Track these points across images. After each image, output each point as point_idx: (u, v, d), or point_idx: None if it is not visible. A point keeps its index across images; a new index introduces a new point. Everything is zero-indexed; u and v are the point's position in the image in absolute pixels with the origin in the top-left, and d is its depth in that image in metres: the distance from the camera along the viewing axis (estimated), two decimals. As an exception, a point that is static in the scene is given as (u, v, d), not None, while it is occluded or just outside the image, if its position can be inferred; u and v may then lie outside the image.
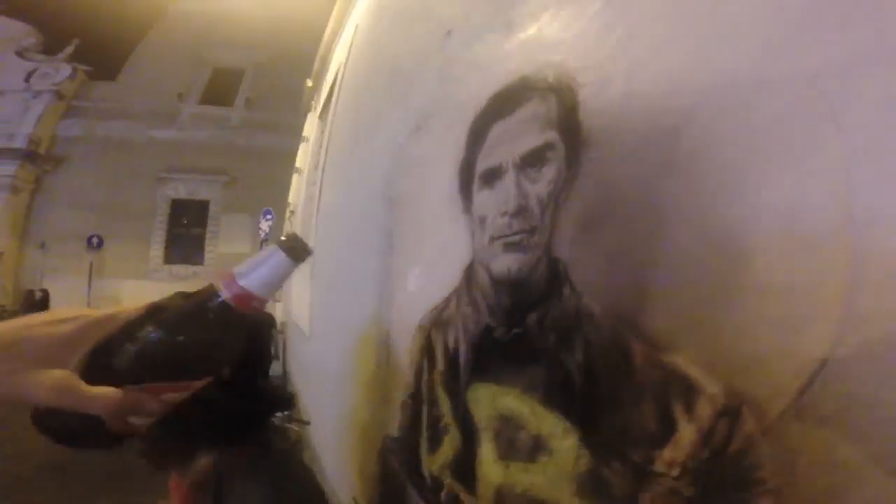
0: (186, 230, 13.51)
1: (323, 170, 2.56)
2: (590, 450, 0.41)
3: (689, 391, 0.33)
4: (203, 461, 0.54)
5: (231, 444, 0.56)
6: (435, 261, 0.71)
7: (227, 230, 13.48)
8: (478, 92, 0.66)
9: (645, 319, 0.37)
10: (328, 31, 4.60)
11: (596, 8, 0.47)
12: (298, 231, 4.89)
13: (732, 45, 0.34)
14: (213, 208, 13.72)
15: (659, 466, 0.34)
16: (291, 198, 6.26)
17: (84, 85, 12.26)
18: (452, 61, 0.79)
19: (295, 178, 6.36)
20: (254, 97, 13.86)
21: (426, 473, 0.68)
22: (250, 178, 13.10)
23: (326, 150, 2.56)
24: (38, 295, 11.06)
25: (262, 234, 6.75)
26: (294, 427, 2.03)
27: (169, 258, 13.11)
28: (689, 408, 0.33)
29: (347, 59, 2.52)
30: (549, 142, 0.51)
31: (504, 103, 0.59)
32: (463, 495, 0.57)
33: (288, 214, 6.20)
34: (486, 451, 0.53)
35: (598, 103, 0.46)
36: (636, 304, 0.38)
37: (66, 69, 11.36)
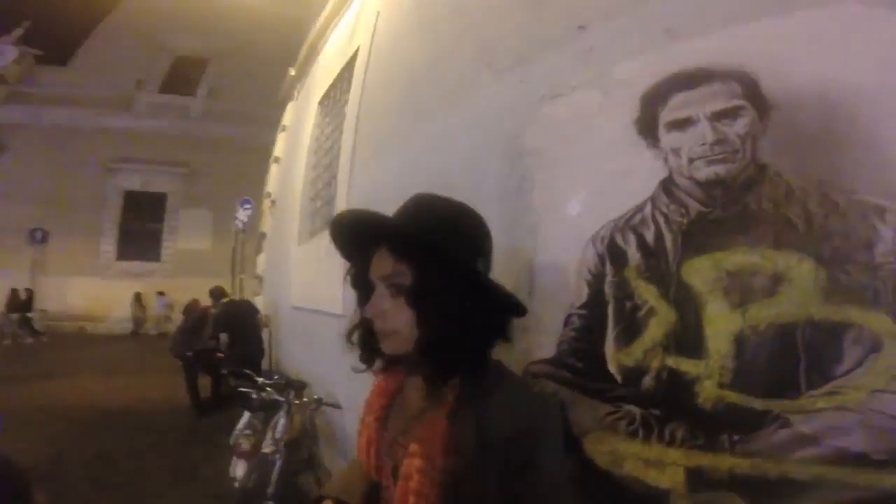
0: (141, 224, 12.72)
1: (354, 150, 2.61)
2: (825, 267, 0.65)
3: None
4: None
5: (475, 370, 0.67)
6: (608, 185, 0.93)
7: (186, 225, 12.84)
8: (634, 77, 0.90)
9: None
10: (321, 21, 4.66)
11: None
12: (282, 218, 4.87)
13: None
14: (170, 201, 13.02)
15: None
16: (271, 187, 6.17)
17: (31, 69, 11.22)
18: (593, 50, 1.02)
19: (274, 167, 6.28)
20: (217, 87, 13.30)
21: (618, 369, 0.87)
22: (211, 170, 12.56)
23: (356, 131, 2.60)
24: (23, 294, 10.07)
25: (240, 225, 6.57)
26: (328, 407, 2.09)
27: (122, 254, 12.28)
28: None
29: (372, 44, 2.61)
30: (738, 105, 0.77)
31: (684, 81, 0.84)
32: (683, 364, 0.79)
33: (267, 204, 6.11)
34: (716, 309, 0.76)
35: (773, 83, 0.72)
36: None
37: (11, 51, 10.37)
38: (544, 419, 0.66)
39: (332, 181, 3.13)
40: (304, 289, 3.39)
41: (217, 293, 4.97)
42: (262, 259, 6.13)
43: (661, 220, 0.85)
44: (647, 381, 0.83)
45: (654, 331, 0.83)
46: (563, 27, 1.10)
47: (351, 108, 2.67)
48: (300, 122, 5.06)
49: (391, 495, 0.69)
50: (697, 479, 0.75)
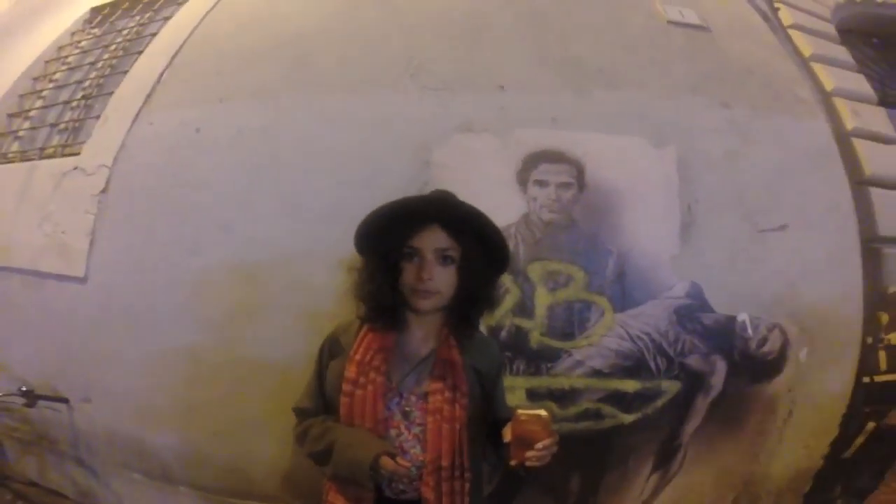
0: None
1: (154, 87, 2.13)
2: (587, 273, 1.30)
3: (614, 253, 1.30)
4: None
5: None
6: (492, 209, 1.40)
7: None
8: (524, 141, 1.47)
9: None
10: None
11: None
12: None
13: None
14: None
15: (609, 275, 1.29)
16: None
17: None
18: (504, 109, 1.55)
19: None
20: None
21: (486, 328, 1.28)
22: None
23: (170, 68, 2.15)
24: None
25: None
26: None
27: None
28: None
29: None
30: (571, 182, 1.43)
31: (549, 157, 1.46)
32: (522, 322, 1.29)
33: None
34: (541, 291, 1.30)
35: (598, 171, 1.42)
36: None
37: None
38: (500, 355, 1.07)
39: (87, 107, 2.29)
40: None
41: None
42: None
43: (518, 238, 1.37)
44: (503, 334, 1.27)
45: (508, 303, 1.30)
46: (488, 80, 1.55)
47: (169, 37, 2.15)
48: (21, 19, 3.38)
49: (405, 439, 0.85)
50: (531, 395, 1.21)
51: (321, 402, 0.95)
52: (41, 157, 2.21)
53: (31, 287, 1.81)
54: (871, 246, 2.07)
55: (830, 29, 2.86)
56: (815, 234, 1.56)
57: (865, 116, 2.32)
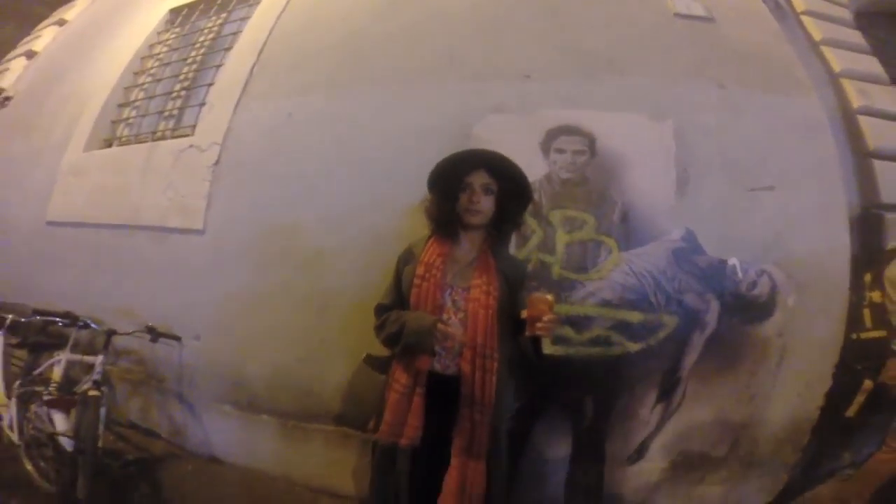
0: None
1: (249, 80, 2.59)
2: (597, 219, 1.66)
3: (619, 204, 1.65)
4: None
5: None
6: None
7: None
8: (546, 119, 1.84)
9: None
10: None
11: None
12: (31, 119, 3.52)
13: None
14: None
15: (616, 219, 1.64)
16: (6, 83, 4.43)
17: None
18: (529, 94, 1.92)
19: (20, 62, 4.67)
20: None
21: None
22: None
23: (258, 62, 2.60)
24: None
25: None
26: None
27: None
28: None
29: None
30: (584, 150, 1.82)
31: (566, 130, 1.83)
32: (545, 258, 1.67)
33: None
34: (560, 233, 1.68)
35: (606, 141, 1.78)
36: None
37: None
38: (524, 268, 1.48)
39: (185, 97, 2.85)
40: (97, 203, 2.68)
41: None
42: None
43: (541, 191, 1.74)
44: (530, 266, 1.66)
45: (534, 241, 1.68)
46: (515, 69, 1.97)
47: (252, 36, 2.64)
48: (110, 19, 4.05)
49: (452, 322, 1.27)
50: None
51: (397, 299, 1.37)
52: (154, 140, 2.78)
53: (157, 240, 2.35)
54: (873, 211, 2.31)
55: (845, 13, 3.04)
56: (800, 194, 1.84)
57: (874, 96, 2.53)
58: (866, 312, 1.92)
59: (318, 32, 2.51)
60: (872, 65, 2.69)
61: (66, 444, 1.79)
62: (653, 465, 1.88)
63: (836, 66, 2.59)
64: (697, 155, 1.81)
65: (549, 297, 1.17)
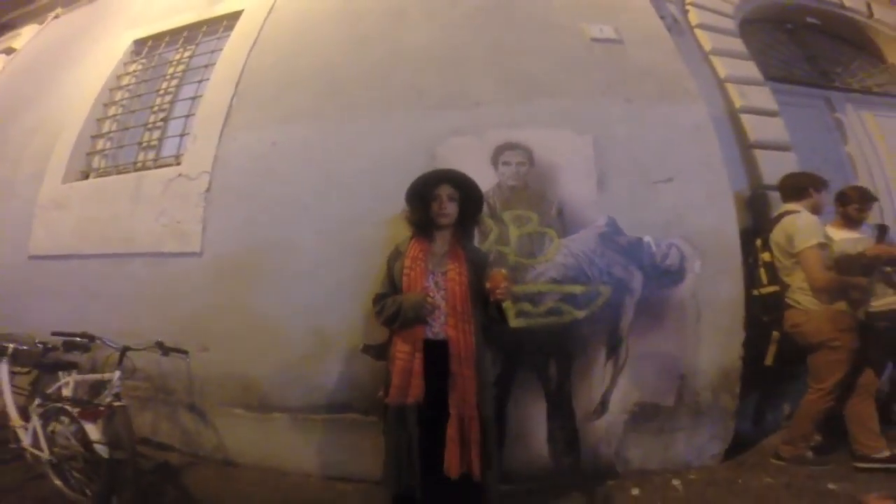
0: None
1: (230, 109, 2.84)
2: (539, 215, 2.12)
3: (557, 203, 2.13)
4: None
5: None
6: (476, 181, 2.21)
7: None
8: (494, 138, 2.30)
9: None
10: None
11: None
12: None
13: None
14: None
15: (552, 213, 2.11)
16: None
17: None
18: (481, 118, 2.36)
19: None
20: None
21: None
22: None
23: (235, 93, 2.87)
24: None
25: None
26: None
27: None
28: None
29: (266, 20, 3.11)
30: (524, 161, 2.29)
31: (510, 146, 2.31)
32: (502, 249, 2.14)
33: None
34: (512, 228, 2.14)
35: (541, 153, 2.24)
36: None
37: None
38: (485, 256, 1.93)
39: (163, 127, 3.06)
40: (86, 233, 2.84)
41: None
42: None
43: (495, 197, 2.19)
44: (490, 256, 2.09)
45: (492, 237, 2.13)
46: (468, 98, 2.43)
47: (227, 69, 2.91)
48: (66, 50, 4.13)
49: (436, 298, 1.67)
50: (513, 297, 2.03)
51: (390, 289, 1.76)
52: (136, 170, 2.97)
53: (153, 265, 2.60)
54: (759, 191, 2.90)
55: (730, 23, 3.69)
56: (693, 182, 2.37)
57: (751, 96, 3.18)
58: (762, 271, 2.41)
59: (292, 66, 2.85)
60: (750, 69, 3.35)
61: (102, 450, 1.96)
62: (616, 418, 2.28)
63: (722, 73, 3.22)
64: (611, 159, 2.31)
65: (504, 271, 1.61)
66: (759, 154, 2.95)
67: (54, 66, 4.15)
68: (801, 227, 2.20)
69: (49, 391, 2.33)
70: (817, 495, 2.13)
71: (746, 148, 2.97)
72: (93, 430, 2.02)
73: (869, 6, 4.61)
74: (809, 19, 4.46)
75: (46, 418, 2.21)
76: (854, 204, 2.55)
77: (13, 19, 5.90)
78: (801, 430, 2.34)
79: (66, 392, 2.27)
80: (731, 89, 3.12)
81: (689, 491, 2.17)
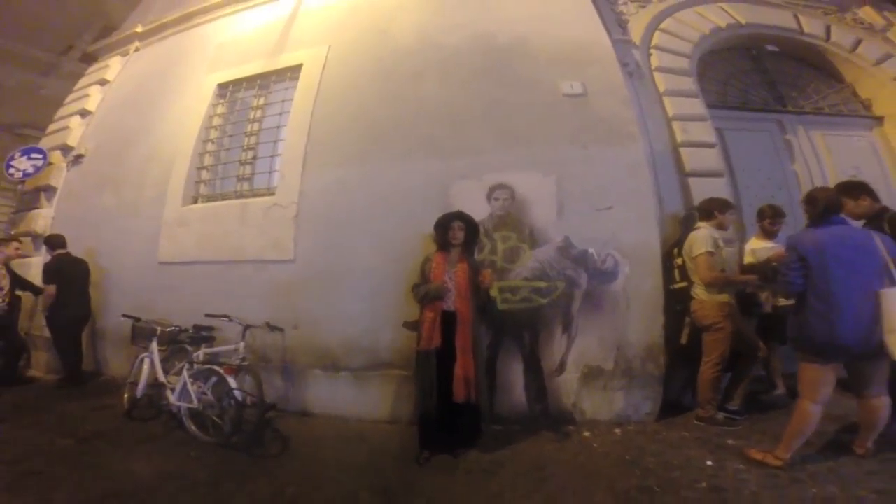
0: None
1: (307, 150, 4.18)
2: (516, 233, 3.31)
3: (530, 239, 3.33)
4: None
5: None
6: (475, 212, 3.39)
7: None
8: (489, 181, 3.53)
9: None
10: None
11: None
12: (108, 176, 4.93)
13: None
14: None
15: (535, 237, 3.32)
16: (74, 141, 5.73)
17: None
18: (481, 164, 3.56)
19: (76, 120, 6.03)
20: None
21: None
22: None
23: (308, 136, 4.20)
24: None
25: (21, 174, 5.43)
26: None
27: None
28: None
29: (323, 72, 4.42)
30: (510, 196, 3.53)
31: (499, 186, 3.55)
32: (493, 258, 3.42)
33: (70, 158, 5.64)
34: (500, 244, 3.44)
35: (520, 190, 3.42)
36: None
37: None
38: (478, 262, 3.26)
39: (253, 164, 4.36)
40: (204, 245, 4.18)
41: (55, 242, 4.50)
42: (40, 215, 5.36)
43: (489, 222, 3.42)
44: (485, 263, 3.32)
45: (486, 249, 3.41)
46: (471, 148, 3.61)
47: (299, 119, 4.15)
48: (160, 85, 5.43)
49: (449, 287, 2.93)
50: (500, 290, 3.31)
51: (423, 280, 3.00)
52: (236, 198, 4.26)
53: (259, 269, 3.93)
54: (690, 212, 3.87)
55: (685, 63, 4.64)
56: (627, 209, 3.44)
57: (692, 131, 4.18)
58: (676, 272, 3.44)
59: (344, 116, 4.09)
60: (695, 105, 4.34)
61: (239, 395, 3.03)
62: (572, 376, 3.33)
63: (670, 112, 4.23)
64: (568, 193, 3.45)
65: (489, 270, 2.90)
66: (693, 181, 3.98)
67: (151, 101, 5.44)
68: (697, 239, 3.24)
69: (194, 359, 3.40)
70: (717, 447, 2.85)
71: (684, 176, 4.01)
72: (232, 382, 3.09)
73: (828, 29, 5.39)
74: (769, 47, 5.30)
75: (195, 377, 3.29)
76: (768, 219, 3.56)
77: (96, 50, 7.26)
78: (704, 395, 3.15)
79: (204, 359, 3.37)
80: (676, 126, 4.14)
81: (625, 436, 3.10)
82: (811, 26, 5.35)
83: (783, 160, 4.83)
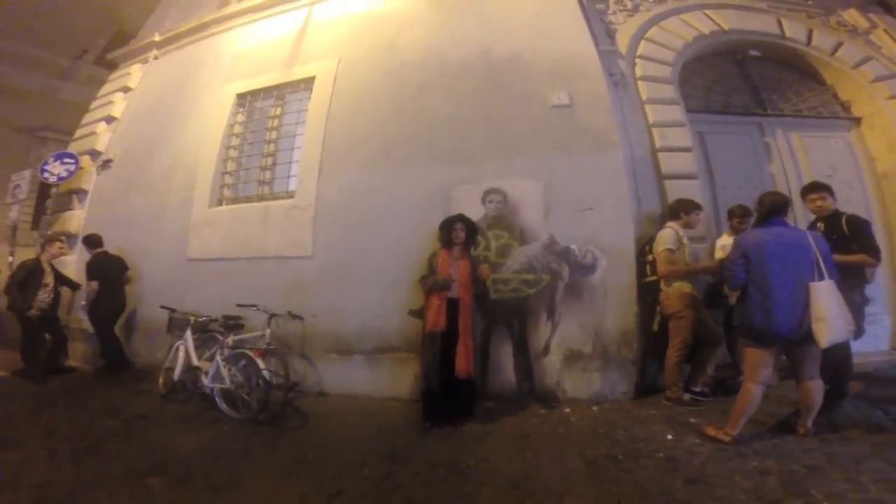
0: None
1: (322, 157, 4.79)
2: (507, 232, 3.91)
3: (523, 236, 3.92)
4: None
5: None
6: (473, 213, 3.97)
7: None
8: (486, 185, 4.08)
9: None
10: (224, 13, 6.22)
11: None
12: (137, 180, 5.55)
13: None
14: None
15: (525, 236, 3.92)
16: (102, 146, 6.36)
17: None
18: (477, 173, 4.13)
19: (102, 126, 6.63)
20: None
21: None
22: None
23: (323, 144, 4.81)
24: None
25: (55, 178, 6.07)
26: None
27: None
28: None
29: (335, 85, 4.98)
30: (503, 199, 4.07)
31: (492, 192, 4.13)
32: (487, 254, 4.02)
33: (92, 162, 6.26)
34: (493, 241, 4.00)
35: (512, 194, 4.01)
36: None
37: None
38: (477, 258, 3.85)
39: (273, 169, 4.95)
40: (229, 243, 4.80)
41: (93, 241, 5.07)
42: (73, 217, 6.02)
43: (484, 222, 3.98)
44: (481, 258, 3.88)
45: (482, 246, 3.98)
46: (470, 157, 4.15)
47: (314, 129, 4.71)
48: (181, 93, 6.00)
49: (453, 278, 3.51)
50: (493, 281, 3.91)
51: (430, 272, 3.57)
52: (258, 201, 4.86)
53: (281, 264, 4.52)
54: (665, 212, 4.42)
55: (668, 71, 5.11)
56: (606, 211, 3.96)
57: (669, 137, 4.69)
58: (647, 267, 3.94)
59: (356, 127, 4.63)
60: (674, 112, 4.82)
61: (267, 375, 3.59)
62: (555, 358, 3.85)
63: (651, 119, 4.74)
64: (554, 196, 3.97)
65: (486, 265, 3.51)
66: (670, 183, 4.49)
67: (173, 109, 6.00)
68: (661, 237, 3.74)
69: (225, 344, 3.95)
70: (679, 424, 3.21)
71: (662, 178, 4.54)
72: (261, 364, 3.64)
73: (810, 33, 5.79)
74: (752, 52, 5.75)
75: (227, 361, 3.82)
76: (737, 218, 4.08)
77: (116, 57, 7.85)
78: (670, 378, 3.58)
79: (233, 344, 3.98)
80: (655, 132, 4.66)
81: (601, 413, 3.55)
82: (793, 31, 5.69)
83: (761, 161, 5.23)
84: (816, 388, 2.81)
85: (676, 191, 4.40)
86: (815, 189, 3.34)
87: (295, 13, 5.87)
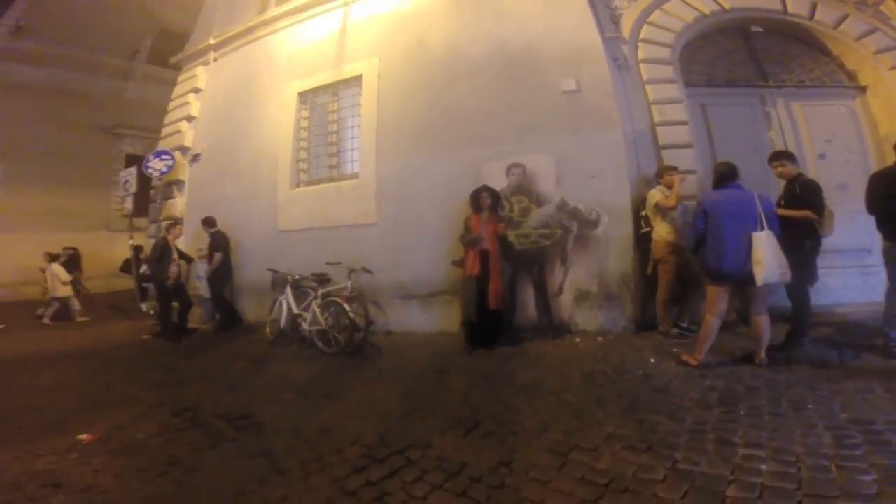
0: None
1: (376, 146, 6.36)
2: (528, 199, 5.35)
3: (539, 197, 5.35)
4: None
5: None
6: (498, 184, 5.42)
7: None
8: (509, 163, 5.50)
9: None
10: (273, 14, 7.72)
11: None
12: (224, 170, 7.31)
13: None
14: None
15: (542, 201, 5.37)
16: (189, 142, 8.14)
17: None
18: (503, 151, 5.56)
19: (184, 124, 8.32)
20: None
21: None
22: None
23: (377, 134, 6.38)
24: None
25: (158, 173, 7.96)
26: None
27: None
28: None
29: (379, 84, 6.49)
30: (522, 171, 5.43)
31: (514, 166, 5.44)
32: (511, 214, 5.42)
33: (183, 157, 8.07)
34: (516, 204, 5.36)
35: (530, 167, 5.43)
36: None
37: None
38: (502, 219, 5.23)
39: (338, 155, 6.53)
40: (311, 216, 6.42)
41: (211, 221, 6.73)
42: (177, 203, 7.94)
43: (508, 190, 5.34)
44: (506, 219, 5.30)
45: (507, 209, 5.34)
46: (495, 137, 5.48)
47: (368, 120, 6.16)
48: (247, 93, 7.54)
49: (482, 234, 4.93)
50: (517, 236, 5.32)
51: (466, 231, 4.94)
52: (329, 182, 6.48)
53: (352, 231, 6.05)
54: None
55: (667, 53, 6.13)
56: (607, 178, 5.12)
57: (667, 113, 5.81)
58: (642, 221, 5.08)
59: (399, 119, 5.98)
60: (672, 90, 5.87)
61: (353, 316, 5.12)
62: (568, 297, 5.26)
63: (651, 97, 5.90)
64: (564, 167, 5.17)
65: (502, 224, 4.89)
66: (667, 152, 5.60)
67: (244, 107, 7.46)
68: (651, 194, 4.84)
69: (319, 295, 5.63)
70: (664, 352, 4.05)
71: (660, 148, 5.72)
72: (347, 307, 5.17)
73: (814, 7, 6.45)
74: (754, 28, 6.61)
75: (322, 307, 5.42)
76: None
77: (178, 60, 9.45)
78: (660, 314, 4.58)
79: (322, 293, 5.63)
80: (655, 109, 5.82)
81: (604, 342, 4.60)
82: (795, 6, 6.26)
83: (760, 130, 6.01)
84: (763, 322, 3.50)
85: (672, 159, 5.53)
86: (776, 157, 4.08)
87: (332, 14, 7.07)
